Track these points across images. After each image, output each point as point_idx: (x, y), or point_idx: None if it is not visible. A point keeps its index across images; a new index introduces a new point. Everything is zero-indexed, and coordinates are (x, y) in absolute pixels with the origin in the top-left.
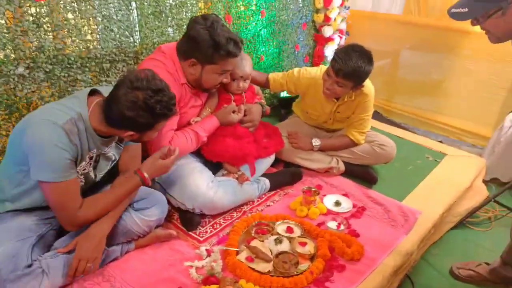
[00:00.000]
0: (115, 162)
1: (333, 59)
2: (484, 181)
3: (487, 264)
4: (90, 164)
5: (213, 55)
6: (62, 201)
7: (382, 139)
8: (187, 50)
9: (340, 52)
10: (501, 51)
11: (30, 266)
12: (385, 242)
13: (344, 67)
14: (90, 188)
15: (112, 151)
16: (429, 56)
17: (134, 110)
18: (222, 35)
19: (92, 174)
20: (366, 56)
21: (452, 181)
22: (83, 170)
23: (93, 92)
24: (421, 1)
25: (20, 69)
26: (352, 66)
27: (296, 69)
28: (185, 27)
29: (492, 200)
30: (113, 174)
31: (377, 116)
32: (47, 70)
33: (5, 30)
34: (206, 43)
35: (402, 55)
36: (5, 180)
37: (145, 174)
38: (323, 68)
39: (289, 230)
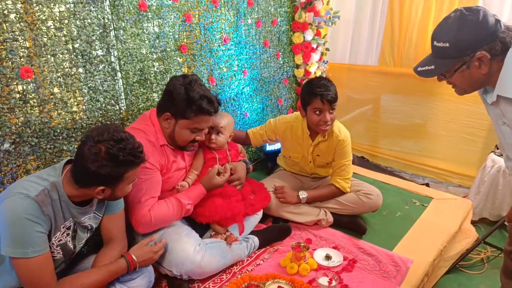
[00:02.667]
0: (92, 230)
1: (314, 94)
2: (473, 222)
3: None
4: (68, 234)
5: (185, 110)
6: (34, 278)
7: (368, 188)
8: (163, 104)
9: (315, 88)
10: (474, 94)
11: None
12: None
13: (331, 93)
14: (72, 259)
15: (88, 221)
16: (409, 101)
17: (97, 162)
18: (197, 91)
19: (70, 245)
20: (327, 79)
21: (440, 225)
22: (58, 241)
23: (71, 161)
24: (395, 52)
25: (6, 145)
26: (334, 89)
27: (272, 119)
28: None
29: (483, 241)
30: (97, 243)
31: (362, 161)
32: (33, 143)
33: None
34: (180, 97)
35: (382, 101)
36: None
37: (134, 257)
38: (295, 113)
39: None
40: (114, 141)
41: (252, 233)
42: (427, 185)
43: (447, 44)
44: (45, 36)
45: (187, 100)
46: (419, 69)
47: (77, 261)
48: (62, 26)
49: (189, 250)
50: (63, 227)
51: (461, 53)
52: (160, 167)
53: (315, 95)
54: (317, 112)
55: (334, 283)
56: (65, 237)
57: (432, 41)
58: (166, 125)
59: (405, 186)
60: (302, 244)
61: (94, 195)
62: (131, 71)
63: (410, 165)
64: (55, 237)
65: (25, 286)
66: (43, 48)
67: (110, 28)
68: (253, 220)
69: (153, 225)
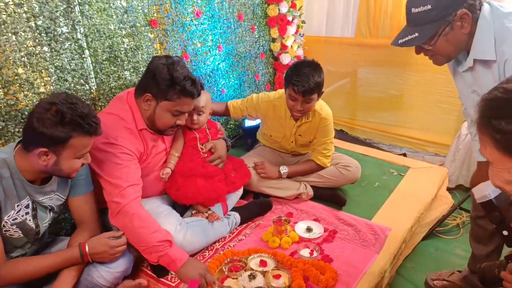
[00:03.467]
0: (54, 211)
1: (290, 83)
2: (449, 189)
3: (459, 272)
4: (28, 213)
5: (168, 90)
6: None
7: (347, 160)
8: (143, 85)
9: (294, 76)
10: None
11: None
12: (358, 264)
13: (307, 86)
14: (41, 240)
15: (49, 202)
16: (385, 73)
17: (42, 118)
18: (180, 72)
19: (31, 224)
20: (315, 66)
21: (417, 193)
22: (13, 220)
23: None
24: (371, 24)
25: None
26: (312, 81)
27: (254, 95)
28: (142, 69)
29: (458, 207)
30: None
31: (342, 134)
32: (0, 127)
33: None
34: (163, 77)
35: (359, 74)
36: None
37: (87, 249)
38: (280, 91)
39: (262, 263)
40: (67, 101)
41: (233, 209)
42: (404, 155)
43: (429, 6)
44: (4, 13)
45: (170, 81)
46: (400, 41)
47: (52, 243)
48: (22, 1)
49: (170, 230)
50: (17, 206)
51: (444, 13)
52: (139, 155)
53: (290, 83)
54: (292, 99)
55: (315, 254)
56: (23, 216)
57: (409, 10)
58: (146, 107)
59: (383, 157)
60: (283, 218)
61: (39, 163)
62: (100, 49)
63: (387, 136)
64: (8, 216)
65: None
66: (2, 26)
67: (75, 3)
68: (234, 197)
69: (128, 222)
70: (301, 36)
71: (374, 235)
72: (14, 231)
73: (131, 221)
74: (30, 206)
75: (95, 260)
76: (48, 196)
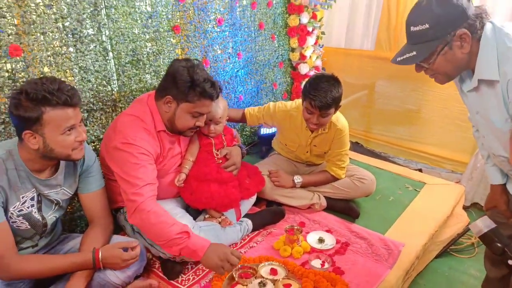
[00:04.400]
0: (60, 205)
1: (308, 97)
2: (465, 207)
3: None
4: (33, 205)
5: (188, 92)
6: None
7: (362, 172)
8: (164, 87)
9: (312, 90)
10: None
11: None
12: (370, 278)
13: (324, 101)
14: (51, 232)
15: (55, 196)
16: (403, 87)
17: (14, 104)
18: (200, 75)
19: (37, 216)
20: (333, 81)
21: (432, 210)
22: (19, 211)
23: None
24: (391, 37)
25: None
26: (330, 96)
27: (271, 103)
28: (162, 73)
29: None
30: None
31: (357, 147)
32: None
33: None
34: (183, 79)
35: (377, 87)
36: None
37: (100, 256)
38: (297, 101)
39: (273, 272)
40: (33, 81)
41: (245, 216)
42: (420, 170)
43: (427, 25)
44: (34, 13)
45: (190, 82)
46: (398, 59)
47: (65, 239)
48: (52, 3)
49: None
50: (22, 197)
51: (442, 32)
52: (156, 156)
53: (308, 97)
54: (308, 112)
55: (326, 265)
56: (29, 208)
57: (408, 28)
58: (166, 109)
59: (399, 171)
60: (296, 227)
61: (31, 148)
62: (123, 51)
63: (403, 150)
64: (14, 207)
65: None
66: (32, 26)
67: (101, 6)
68: (247, 204)
69: (145, 219)
70: (320, 47)
71: (387, 249)
72: (21, 223)
73: (148, 218)
74: (35, 198)
75: (106, 268)
76: (55, 190)
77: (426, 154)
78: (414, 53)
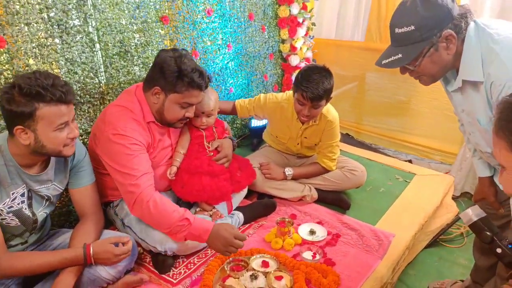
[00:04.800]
0: (51, 201)
1: (299, 88)
2: (454, 197)
3: (462, 281)
4: (23, 201)
5: (176, 83)
6: None
7: (352, 164)
8: (152, 78)
9: (304, 81)
10: None
11: None
12: (361, 269)
13: (316, 92)
14: (41, 228)
15: (46, 191)
16: (393, 79)
17: (6, 98)
18: (188, 64)
19: (28, 212)
20: (325, 72)
21: (422, 200)
22: (9, 208)
23: None
24: (382, 28)
25: None
26: (321, 88)
27: (262, 95)
28: (151, 64)
29: None
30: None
31: (347, 138)
32: None
33: None
34: (171, 69)
35: (367, 78)
36: None
37: (92, 251)
38: (288, 93)
39: (265, 264)
40: (27, 75)
41: (237, 209)
42: (410, 161)
43: (412, 27)
44: (18, 3)
45: (178, 73)
46: (383, 61)
47: (55, 234)
48: None
49: None
50: (13, 194)
51: (428, 34)
52: (147, 146)
53: (300, 88)
54: (300, 103)
55: (318, 257)
56: (19, 204)
57: (393, 30)
58: (155, 100)
59: (389, 162)
60: (287, 220)
61: (22, 144)
62: (111, 43)
63: (393, 142)
64: (4, 204)
65: None
66: (15, 16)
67: None
68: (238, 197)
69: (145, 208)
70: (311, 38)
71: (378, 240)
72: (11, 219)
73: (148, 208)
74: (26, 194)
75: (97, 263)
76: (45, 186)
77: (416, 145)
78: (400, 55)
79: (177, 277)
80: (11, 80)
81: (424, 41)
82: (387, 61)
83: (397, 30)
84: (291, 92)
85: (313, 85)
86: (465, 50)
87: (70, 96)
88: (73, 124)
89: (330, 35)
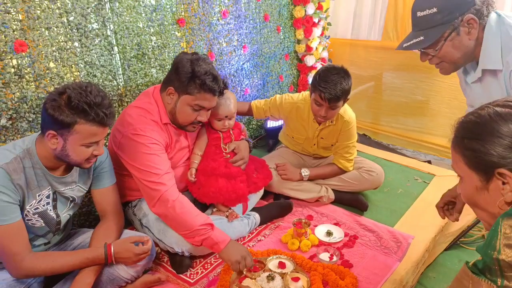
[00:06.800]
0: (75, 202)
1: (317, 89)
2: None
3: None
4: (48, 203)
5: (188, 84)
6: (4, 245)
7: (370, 165)
8: (168, 78)
9: (321, 82)
10: None
11: None
12: (379, 271)
13: (334, 93)
14: (64, 229)
15: (71, 192)
16: (411, 78)
17: (53, 102)
18: (203, 67)
19: (52, 214)
20: (343, 73)
21: None
22: (35, 210)
23: None
24: (399, 27)
25: (3, 121)
26: (339, 89)
27: (278, 96)
28: (168, 67)
29: None
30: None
31: (365, 139)
32: (30, 119)
33: None
34: (184, 70)
35: (384, 78)
36: None
37: (112, 250)
38: (304, 93)
39: (281, 265)
40: (79, 88)
41: (253, 209)
42: (429, 162)
43: (435, 9)
44: (38, 8)
45: (191, 74)
46: (404, 45)
47: (75, 234)
48: None
49: None
50: (39, 195)
51: (450, 17)
52: (165, 146)
53: (318, 89)
54: (317, 104)
55: (335, 258)
56: (44, 206)
57: (415, 14)
58: (169, 101)
59: (407, 163)
60: (303, 221)
61: (49, 146)
62: (128, 46)
63: (412, 142)
64: (30, 205)
65: None
66: (36, 21)
67: (105, 0)
68: (255, 197)
69: (170, 208)
70: (327, 38)
71: (396, 242)
72: (36, 220)
73: (173, 207)
74: (51, 196)
75: (118, 262)
76: (70, 187)
77: (435, 146)
78: (421, 38)
79: (194, 277)
80: (62, 85)
81: (446, 24)
82: (408, 44)
83: (419, 14)
84: (307, 92)
85: (331, 85)
86: (485, 38)
87: (110, 121)
88: (101, 142)
89: (346, 35)
